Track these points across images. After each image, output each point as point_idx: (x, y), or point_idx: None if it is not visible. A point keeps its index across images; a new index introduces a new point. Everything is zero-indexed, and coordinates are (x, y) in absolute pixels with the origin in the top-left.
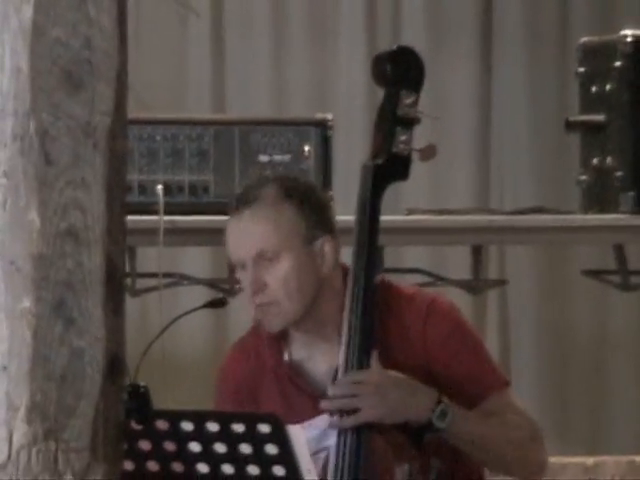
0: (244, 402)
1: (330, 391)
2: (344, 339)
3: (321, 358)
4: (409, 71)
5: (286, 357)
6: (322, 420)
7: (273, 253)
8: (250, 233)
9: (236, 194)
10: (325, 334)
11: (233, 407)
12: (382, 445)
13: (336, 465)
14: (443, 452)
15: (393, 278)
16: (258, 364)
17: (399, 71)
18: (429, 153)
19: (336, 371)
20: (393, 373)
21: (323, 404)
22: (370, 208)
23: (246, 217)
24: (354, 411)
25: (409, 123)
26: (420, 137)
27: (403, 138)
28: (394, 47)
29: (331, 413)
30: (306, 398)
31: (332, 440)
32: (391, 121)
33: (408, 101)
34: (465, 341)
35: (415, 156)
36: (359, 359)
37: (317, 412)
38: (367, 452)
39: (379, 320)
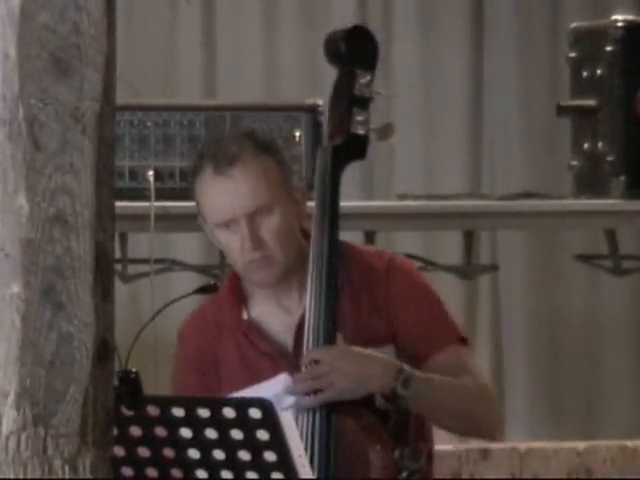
0: (204, 366)
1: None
2: (309, 298)
3: (280, 316)
4: (364, 50)
5: (245, 316)
6: (280, 380)
7: (267, 208)
8: (243, 191)
9: (208, 154)
10: (288, 290)
11: (193, 372)
12: (353, 427)
13: (306, 450)
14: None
15: None
16: (216, 327)
17: (354, 50)
18: (387, 132)
19: (297, 327)
20: (349, 348)
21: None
22: (330, 190)
23: (236, 176)
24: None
25: (366, 103)
26: (411, 123)
27: (360, 118)
28: (348, 26)
29: (290, 372)
30: (264, 357)
31: (291, 400)
32: (348, 101)
33: (364, 80)
34: (424, 294)
35: (373, 136)
36: (324, 322)
37: (275, 371)
38: (338, 436)
39: (344, 271)
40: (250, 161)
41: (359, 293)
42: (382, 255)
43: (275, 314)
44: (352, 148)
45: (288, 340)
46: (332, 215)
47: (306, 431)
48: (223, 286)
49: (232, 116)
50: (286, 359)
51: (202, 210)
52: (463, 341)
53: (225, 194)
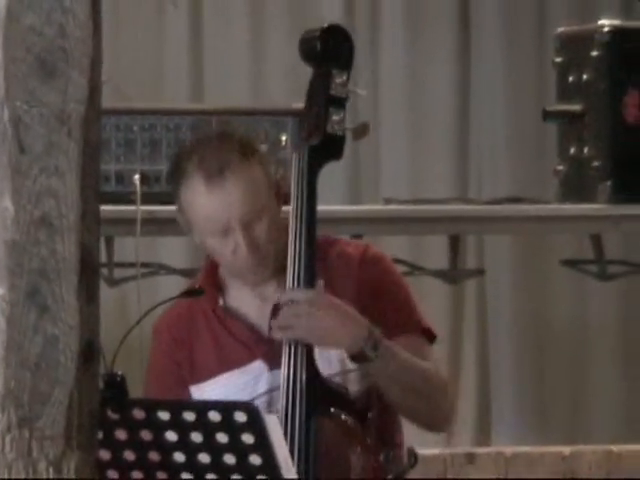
0: (178, 353)
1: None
2: (289, 273)
3: (256, 303)
4: (339, 49)
5: (221, 303)
6: (255, 367)
7: (259, 213)
8: (236, 199)
9: (192, 159)
10: (265, 279)
11: (168, 358)
12: (332, 430)
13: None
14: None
15: None
16: (191, 317)
17: (330, 49)
18: (362, 132)
19: (273, 313)
20: (330, 297)
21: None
22: (307, 190)
23: (227, 185)
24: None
25: (342, 102)
26: (399, 127)
27: (336, 118)
28: (324, 25)
29: (265, 358)
30: (239, 344)
31: (264, 387)
32: (324, 101)
33: (340, 80)
34: (394, 284)
35: (348, 135)
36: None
37: (250, 358)
38: (318, 438)
39: (320, 259)
40: (239, 169)
41: (334, 280)
42: (358, 245)
43: (251, 301)
44: (329, 148)
45: (263, 327)
46: (309, 216)
47: (285, 433)
48: (199, 274)
49: (219, 120)
50: (261, 345)
51: (192, 219)
52: (428, 335)
53: (219, 204)
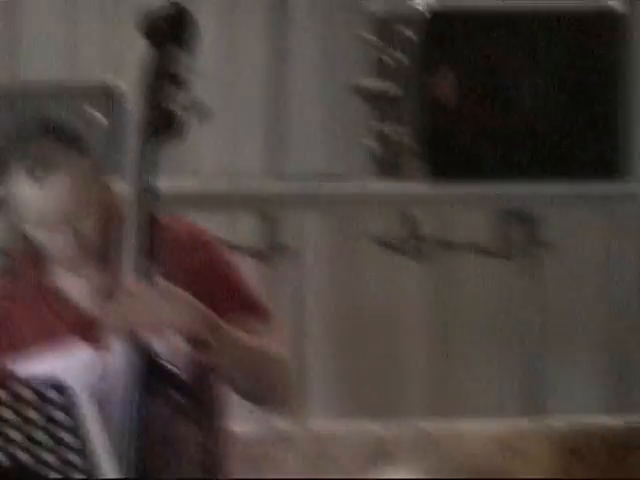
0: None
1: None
2: (125, 259)
3: (81, 284)
4: (182, 28)
5: (46, 283)
6: (82, 349)
7: (88, 206)
8: (63, 195)
9: (17, 157)
10: (89, 260)
11: None
12: (165, 409)
13: (116, 433)
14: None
15: None
16: (15, 291)
17: (172, 28)
18: (201, 112)
19: (100, 295)
20: (164, 284)
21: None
22: (145, 169)
23: (52, 183)
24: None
25: (181, 82)
26: (209, 101)
27: (176, 97)
28: (166, 4)
29: (92, 343)
30: (65, 326)
31: (92, 369)
32: (164, 80)
33: (180, 59)
34: (227, 267)
35: (188, 115)
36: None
37: (77, 340)
38: (151, 419)
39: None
40: (64, 163)
41: (166, 263)
42: (188, 228)
43: (76, 282)
44: (166, 125)
45: (90, 309)
46: (149, 195)
47: (118, 412)
48: (18, 252)
49: (31, 98)
50: (88, 328)
51: (16, 211)
52: (265, 314)
53: (44, 201)
